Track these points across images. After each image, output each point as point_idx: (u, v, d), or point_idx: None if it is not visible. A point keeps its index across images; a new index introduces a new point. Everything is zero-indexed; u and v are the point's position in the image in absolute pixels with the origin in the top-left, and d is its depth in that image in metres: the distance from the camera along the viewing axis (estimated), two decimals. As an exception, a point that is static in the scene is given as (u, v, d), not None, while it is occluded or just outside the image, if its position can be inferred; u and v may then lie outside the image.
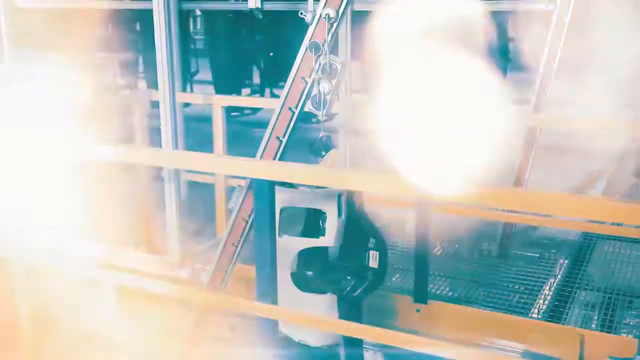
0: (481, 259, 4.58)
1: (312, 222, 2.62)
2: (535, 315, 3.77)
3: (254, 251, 2.36)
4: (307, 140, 2.69)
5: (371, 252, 2.57)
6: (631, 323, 3.66)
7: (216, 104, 3.91)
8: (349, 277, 2.59)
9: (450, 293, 4.04)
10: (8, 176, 2.83)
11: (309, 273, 2.62)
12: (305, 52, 2.52)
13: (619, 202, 1.72)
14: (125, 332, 2.95)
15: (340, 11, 2.47)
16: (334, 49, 2.56)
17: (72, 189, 3.10)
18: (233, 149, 4.66)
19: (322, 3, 2.47)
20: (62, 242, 3.69)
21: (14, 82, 3.78)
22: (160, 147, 3.15)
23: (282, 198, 2.42)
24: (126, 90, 9.47)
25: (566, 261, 4.47)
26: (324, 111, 2.52)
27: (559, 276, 4.26)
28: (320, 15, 2.46)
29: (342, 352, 2.57)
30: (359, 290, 2.57)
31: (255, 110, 9.51)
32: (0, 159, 2.77)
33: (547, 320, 3.67)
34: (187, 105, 6.31)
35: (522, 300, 3.94)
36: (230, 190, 4.27)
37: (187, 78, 9.01)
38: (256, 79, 9.75)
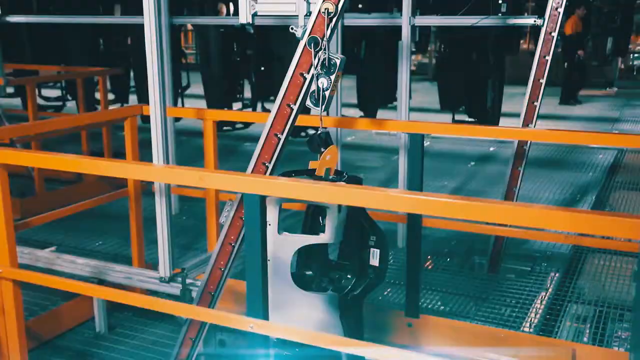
0: (472, 272, 4.59)
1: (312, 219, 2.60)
2: (527, 329, 3.77)
3: (244, 266, 2.35)
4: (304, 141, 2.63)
5: (372, 249, 2.55)
6: (622, 336, 3.67)
7: (207, 118, 3.91)
8: (349, 276, 2.58)
9: (442, 307, 4.04)
10: None
11: (309, 272, 2.59)
12: (304, 48, 2.49)
13: (609, 216, 1.73)
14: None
15: (340, 5, 2.44)
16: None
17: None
18: (225, 164, 4.66)
19: None
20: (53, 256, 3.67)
21: None
22: (151, 161, 3.15)
23: None
24: (117, 105, 9.49)
25: (557, 274, 4.48)
26: (323, 107, 2.48)
27: (550, 289, 4.27)
28: (320, 10, 2.44)
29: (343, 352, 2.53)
30: (360, 289, 2.56)
31: (247, 124, 9.54)
32: None
33: (538, 334, 3.68)
34: (178, 119, 6.33)
35: (514, 314, 3.95)
36: (222, 205, 4.27)
37: (179, 92, 9.02)
38: (247, 93, 9.79)
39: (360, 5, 8.43)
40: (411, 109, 4.88)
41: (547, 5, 4.07)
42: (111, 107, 7.66)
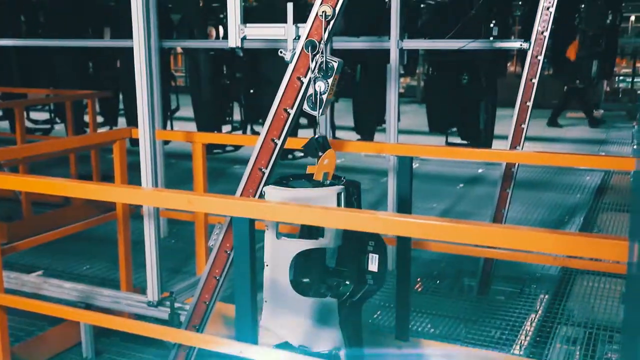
0: (462, 294, 4.58)
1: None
2: (517, 352, 3.76)
3: (234, 289, 2.33)
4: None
5: (370, 255, 2.53)
6: (612, 358, 3.67)
7: (196, 141, 3.91)
8: (347, 282, 2.56)
9: (432, 330, 4.02)
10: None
11: (308, 278, 2.57)
12: (301, 51, 2.48)
13: (596, 238, 1.74)
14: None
15: (337, 8, 2.44)
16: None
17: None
18: (214, 186, 4.65)
19: (318, 1, 2.43)
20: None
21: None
22: (140, 184, 3.14)
23: (279, 197, 2.38)
24: (106, 128, 9.47)
25: (547, 296, 4.48)
26: (320, 111, 2.47)
27: (539, 311, 4.27)
28: (317, 13, 2.44)
29: (343, 356, 2.50)
30: (359, 295, 2.54)
31: (237, 146, 9.54)
32: None
33: (528, 356, 3.67)
34: (167, 142, 6.32)
35: (504, 336, 3.94)
36: (211, 228, 4.25)
37: (168, 115, 9.02)
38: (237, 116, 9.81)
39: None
40: (400, 131, 4.91)
41: (533, 29, 4.13)
42: (100, 130, 7.64)
